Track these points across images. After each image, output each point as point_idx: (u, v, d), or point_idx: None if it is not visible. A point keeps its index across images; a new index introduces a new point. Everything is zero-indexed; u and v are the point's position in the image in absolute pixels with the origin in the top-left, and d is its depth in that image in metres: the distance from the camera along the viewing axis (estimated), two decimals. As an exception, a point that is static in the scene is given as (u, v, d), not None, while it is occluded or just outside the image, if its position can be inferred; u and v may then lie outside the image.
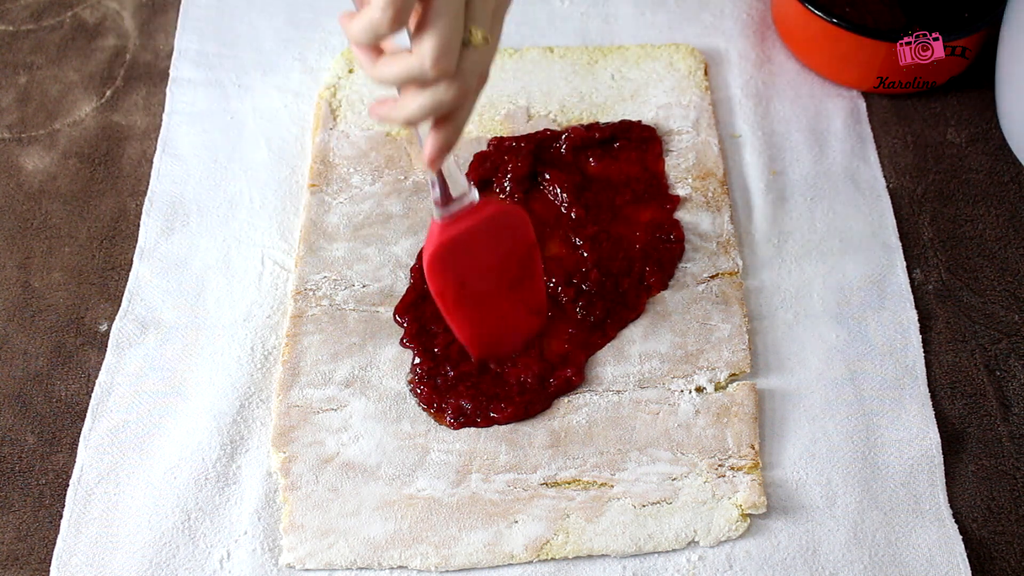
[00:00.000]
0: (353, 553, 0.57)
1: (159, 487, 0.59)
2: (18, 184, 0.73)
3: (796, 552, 0.57)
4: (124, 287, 0.67)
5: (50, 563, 0.57)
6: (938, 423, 0.62)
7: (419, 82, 0.46)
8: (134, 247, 0.69)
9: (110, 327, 0.65)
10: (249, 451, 0.61)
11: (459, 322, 0.60)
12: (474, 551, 0.57)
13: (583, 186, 0.70)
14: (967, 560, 0.57)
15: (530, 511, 0.58)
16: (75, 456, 0.60)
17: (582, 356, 0.63)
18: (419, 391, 0.62)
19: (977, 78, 0.78)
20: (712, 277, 0.67)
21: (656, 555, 0.57)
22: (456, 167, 0.54)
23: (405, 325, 0.65)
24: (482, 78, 0.50)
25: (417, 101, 0.47)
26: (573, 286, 0.66)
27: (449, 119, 0.48)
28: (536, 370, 0.62)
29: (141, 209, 0.71)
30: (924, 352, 0.65)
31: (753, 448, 0.60)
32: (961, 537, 0.58)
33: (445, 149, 0.49)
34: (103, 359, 0.64)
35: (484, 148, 0.73)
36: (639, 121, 0.74)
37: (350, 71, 0.78)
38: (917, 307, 0.67)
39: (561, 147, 0.72)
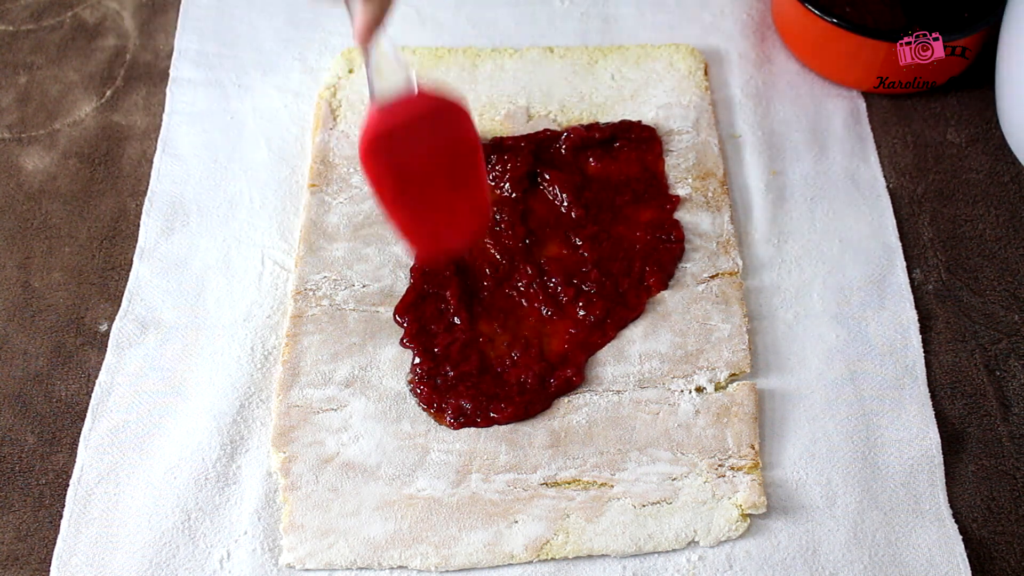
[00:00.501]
0: (353, 553, 0.57)
1: (159, 487, 0.59)
2: (18, 184, 0.73)
3: (796, 552, 0.57)
4: (124, 287, 0.67)
5: (50, 563, 0.57)
6: (938, 423, 0.62)
7: None
8: (134, 247, 0.69)
9: (110, 327, 0.65)
10: (249, 451, 0.61)
11: (397, 215, 0.57)
12: (474, 551, 0.57)
13: (583, 186, 0.70)
14: (967, 560, 0.57)
15: (530, 511, 0.58)
16: (75, 456, 0.60)
17: (582, 356, 0.63)
18: (419, 391, 0.62)
19: (977, 78, 0.78)
20: (712, 277, 0.67)
21: (656, 555, 0.57)
22: (395, 52, 0.53)
23: (405, 325, 0.65)
24: None
25: None
26: (573, 286, 0.66)
27: None
28: (536, 370, 0.62)
29: (141, 209, 0.71)
30: (924, 352, 0.65)
31: (753, 448, 0.60)
32: (961, 537, 0.58)
33: (373, 23, 0.50)
34: (103, 359, 0.64)
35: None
36: (639, 121, 0.74)
37: (350, 71, 0.78)
38: (917, 307, 0.67)
39: (561, 147, 0.72)
